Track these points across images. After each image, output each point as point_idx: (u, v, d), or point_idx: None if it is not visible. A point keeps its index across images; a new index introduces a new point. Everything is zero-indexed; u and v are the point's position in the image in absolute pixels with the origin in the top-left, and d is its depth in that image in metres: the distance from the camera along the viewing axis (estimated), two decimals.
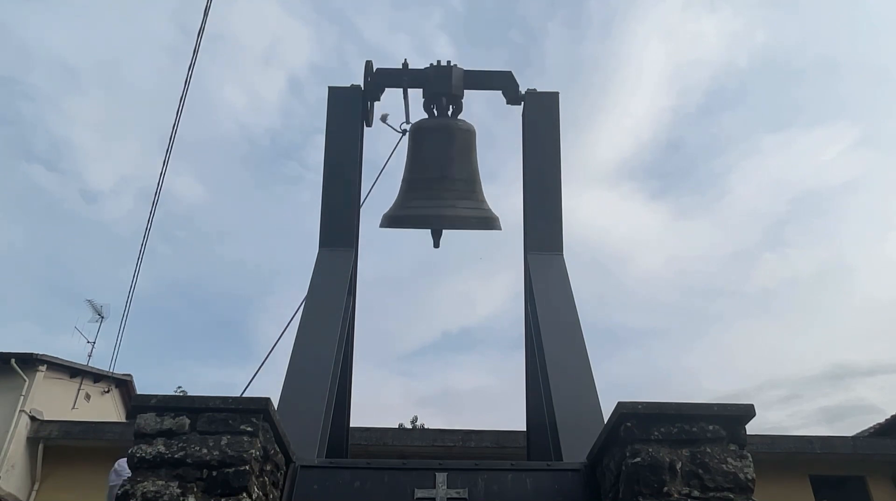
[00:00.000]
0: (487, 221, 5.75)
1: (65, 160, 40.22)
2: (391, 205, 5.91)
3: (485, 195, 5.90)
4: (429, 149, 5.88)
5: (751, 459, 2.87)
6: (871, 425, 12.31)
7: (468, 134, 5.93)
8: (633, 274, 42.93)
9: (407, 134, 6.01)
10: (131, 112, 40.69)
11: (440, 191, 5.73)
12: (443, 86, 5.77)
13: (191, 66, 6.13)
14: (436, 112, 5.88)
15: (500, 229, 5.77)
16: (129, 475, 4.62)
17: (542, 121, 5.67)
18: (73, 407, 12.00)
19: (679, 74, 41.40)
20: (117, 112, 40.91)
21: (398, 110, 6.02)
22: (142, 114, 39.61)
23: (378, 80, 5.81)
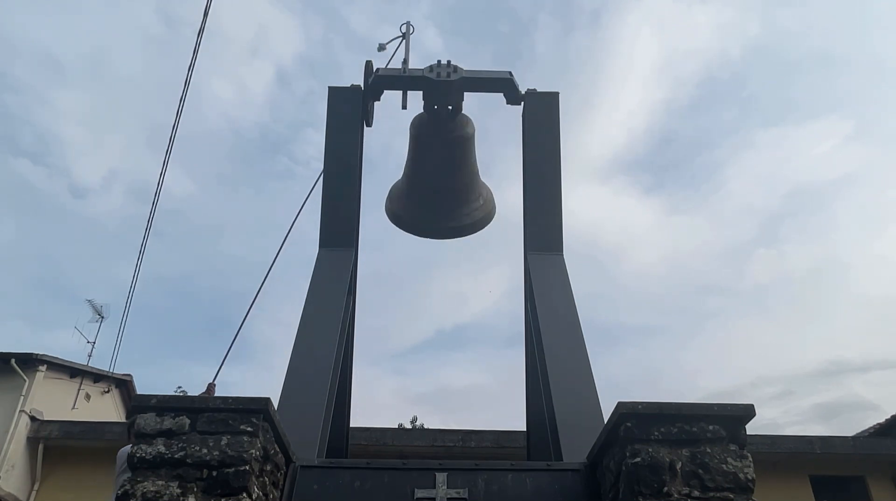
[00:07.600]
0: (478, 224, 6.20)
1: (52, 154, 40.11)
2: (394, 187, 6.27)
3: (482, 182, 6.23)
4: (428, 159, 6.07)
5: (751, 459, 2.88)
6: (871, 425, 12.30)
7: (467, 140, 6.00)
8: (627, 270, 42.89)
9: (409, 126, 6.08)
10: (117, 104, 40.55)
11: (436, 203, 6.16)
12: (442, 92, 5.73)
13: (191, 67, 6.14)
14: (436, 106, 5.83)
15: (490, 220, 6.18)
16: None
17: (542, 122, 5.67)
18: (73, 407, 11.99)
19: (671, 66, 41.30)
20: (103, 104, 40.78)
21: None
22: (127, 107, 39.51)
23: (378, 83, 5.80)
